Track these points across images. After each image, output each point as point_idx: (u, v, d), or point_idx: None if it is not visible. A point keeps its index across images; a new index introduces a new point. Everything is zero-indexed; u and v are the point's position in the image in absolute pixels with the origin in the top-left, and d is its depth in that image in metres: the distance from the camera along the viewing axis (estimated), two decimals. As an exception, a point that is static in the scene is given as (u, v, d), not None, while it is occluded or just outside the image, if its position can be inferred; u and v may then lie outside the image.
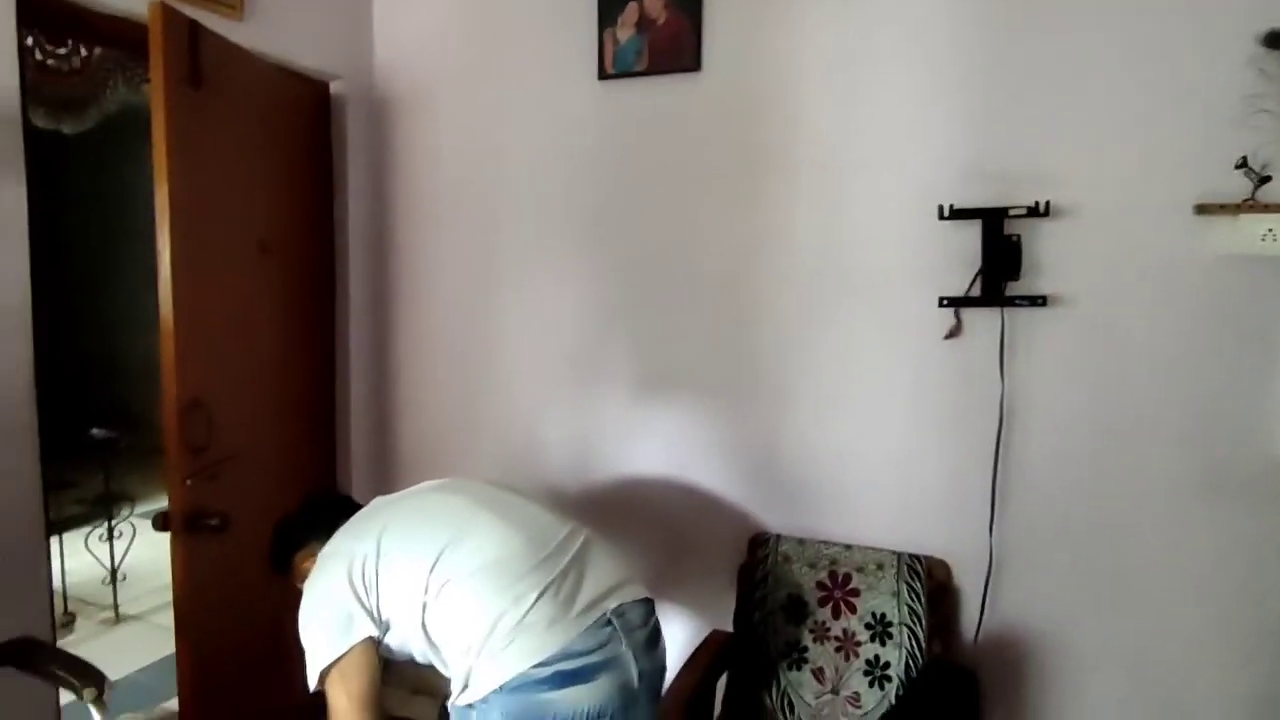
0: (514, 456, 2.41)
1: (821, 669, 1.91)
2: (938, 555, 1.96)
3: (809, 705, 1.89)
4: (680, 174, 2.15)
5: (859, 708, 1.86)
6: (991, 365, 1.87)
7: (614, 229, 2.24)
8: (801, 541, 2.04)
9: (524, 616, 1.21)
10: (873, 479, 2.03)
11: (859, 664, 1.89)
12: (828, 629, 1.93)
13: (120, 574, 3.26)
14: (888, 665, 1.86)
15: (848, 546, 2.00)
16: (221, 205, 1.92)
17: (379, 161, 2.52)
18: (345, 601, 1.28)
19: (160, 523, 1.85)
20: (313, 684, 1.27)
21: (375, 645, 1.29)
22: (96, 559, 3.21)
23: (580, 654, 1.21)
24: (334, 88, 2.43)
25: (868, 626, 1.90)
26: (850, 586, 1.94)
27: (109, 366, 5.30)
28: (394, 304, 2.56)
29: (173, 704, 2.58)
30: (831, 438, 2.05)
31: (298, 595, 1.39)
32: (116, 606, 3.20)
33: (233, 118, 1.96)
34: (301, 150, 2.35)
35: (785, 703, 1.90)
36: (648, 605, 1.37)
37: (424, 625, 1.27)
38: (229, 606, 1.98)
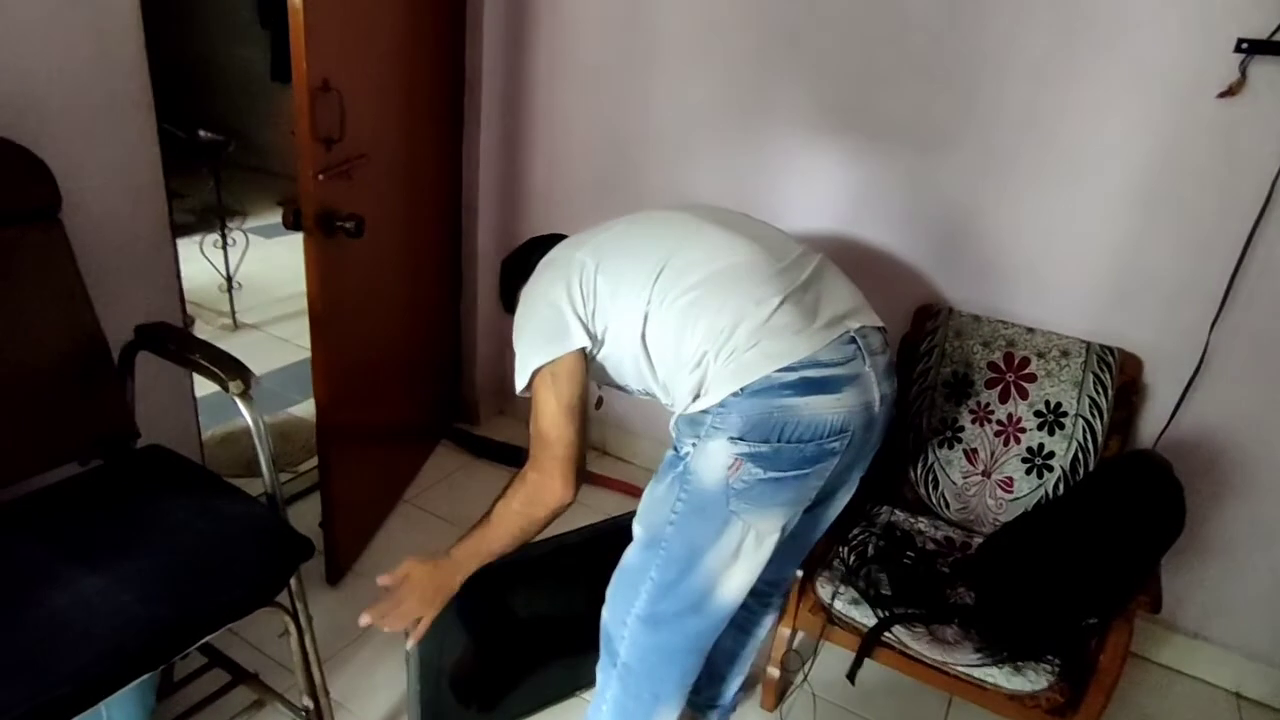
0: (658, 190, 2.20)
1: (975, 450, 1.79)
2: (1130, 350, 1.75)
3: (954, 484, 1.79)
4: None
5: (1010, 492, 1.76)
6: (1270, 138, 1.52)
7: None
8: (978, 318, 1.84)
9: (768, 319, 1.11)
10: (1079, 259, 1.77)
11: (1018, 450, 1.76)
12: (990, 412, 1.79)
13: (235, 283, 3.29)
14: (1051, 455, 1.73)
15: (1030, 330, 1.79)
16: None
17: None
18: (561, 308, 1.21)
19: (291, 219, 1.71)
20: (520, 386, 1.22)
21: (586, 359, 1.22)
22: (212, 264, 3.22)
23: (827, 364, 1.11)
24: None
25: (1037, 414, 1.75)
26: (1026, 371, 1.77)
27: (208, 78, 5.10)
28: (530, 25, 2.24)
29: (299, 409, 2.69)
30: (1043, 208, 1.77)
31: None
32: (234, 314, 3.26)
33: None
34: None
35: (930, 478, 1.81)
36: (884, 334, 1.25)
37: (644, 338, 1.19)
38: (362, 317, 1.92)
